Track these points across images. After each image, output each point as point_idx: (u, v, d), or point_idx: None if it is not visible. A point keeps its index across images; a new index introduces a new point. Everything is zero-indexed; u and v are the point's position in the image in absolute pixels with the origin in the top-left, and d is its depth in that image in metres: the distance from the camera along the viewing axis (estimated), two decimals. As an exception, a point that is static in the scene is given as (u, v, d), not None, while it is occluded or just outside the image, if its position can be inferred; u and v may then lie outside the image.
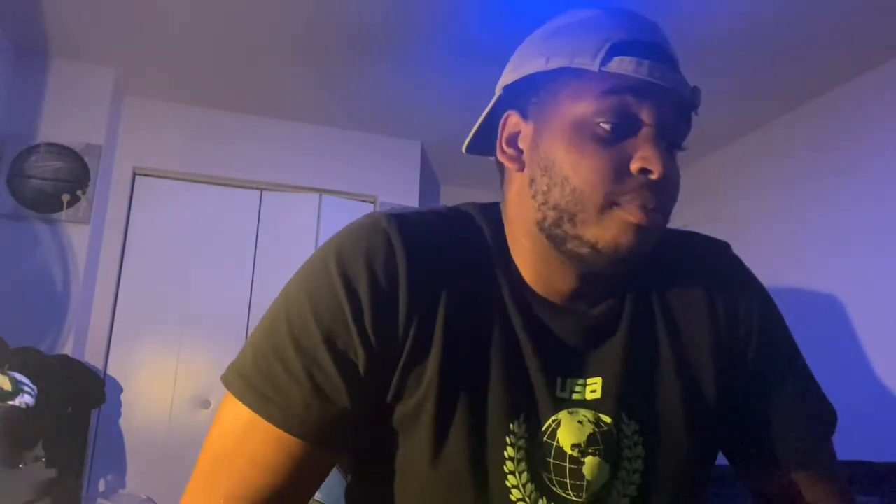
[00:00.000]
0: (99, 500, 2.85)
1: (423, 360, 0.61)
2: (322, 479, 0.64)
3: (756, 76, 2.83)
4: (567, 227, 0.61)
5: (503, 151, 0.68)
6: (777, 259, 3.08)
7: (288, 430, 0.58)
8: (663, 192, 0.60)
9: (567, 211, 0.60)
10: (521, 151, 0.66)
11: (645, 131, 0.60)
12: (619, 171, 0.59)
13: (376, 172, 3.63)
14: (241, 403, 0.60)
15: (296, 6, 2.49)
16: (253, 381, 0.60)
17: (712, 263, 0.73)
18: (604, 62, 0.59)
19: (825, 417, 0.71)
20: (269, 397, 0.59)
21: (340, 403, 0.59)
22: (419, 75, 2.98)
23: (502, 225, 0.69)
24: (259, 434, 0.59)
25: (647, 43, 0.61)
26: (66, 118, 2.93)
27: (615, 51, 0.59)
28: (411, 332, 0.61)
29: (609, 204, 0.59)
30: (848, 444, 1.10)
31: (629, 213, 0.59)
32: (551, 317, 0.65)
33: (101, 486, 2.94)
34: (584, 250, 0.60)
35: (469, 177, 4.14)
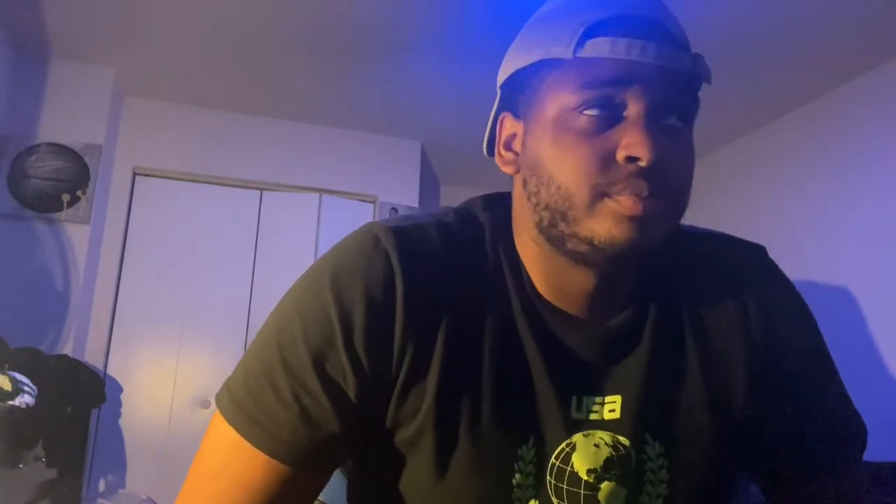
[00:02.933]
0: (99, 500, 2.85)
1: (421, 386, 0.58)
2: (313, 499, 0.62)
3: (756, 76, 2.83)
4: (562, 226, 0.57)
5: (501, 156, 0.65)
6: (778, 258, 3.07)
7: (273, 455, 0.56)
8: (659, 178, 0.54)
9: (558, 210, 0.57)
10: (517, 154, 0.63)
11: (632, 116, 0.55)
12: (605, 162, 0.54)
13: (376, 172, 3.63)
14: (228, 426, 0.58)
15: (296, 6, 2.49)
16: (242, 403, 0.58)
17: (747, 270, 0.68)
18: (577, 48, 0.55)
19: (856, 434, 0.67)
20: (256, 420, 0.57)
21: (329, 428, 0.57)
22: (419, 75, 2.98)
23: (510, 228, 0.66)
24: (245, 456, 0.57)
25: (629, 17, 0.55)
26: (66, 118, 2.93)
27: (590, 33, 0.55)
28: (407, 358, 0.57)
29: (599, 196, 0.55)
30: (872, 446, 1.10)
31: (620, 204, 0.54)
32: (565, 329, 0.61)
33: (101, 486, 2.94)
34: (584, 248, 0.56)
35: (469, 177, 4.14)
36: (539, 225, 0.59)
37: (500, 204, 0.68)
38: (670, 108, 0.56)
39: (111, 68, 3.02)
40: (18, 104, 2.86)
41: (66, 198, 2.86)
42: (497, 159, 0.65)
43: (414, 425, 0.58)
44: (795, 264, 3.04)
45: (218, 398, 0.60)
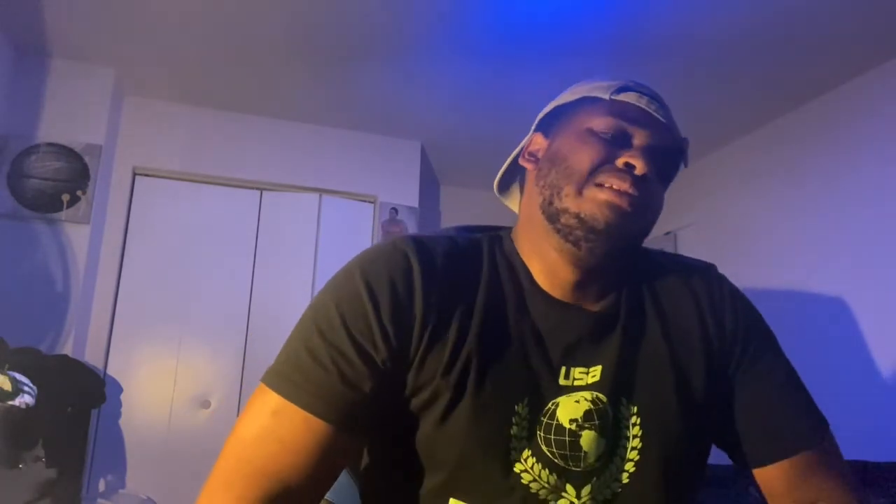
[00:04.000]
0: (99, 500, 2.85)
1: (436, 357, 0.70)
2: (343, 466, 0.71)
3: (757, 76, 2.83)
4: (556, 201, 0.73)
5: (523, 157, 0.82)
6: (778, 258, 3.08)
7: (315, 412, 0.65)
8: (641, 190, 0.71)
9: (556, 186, 0.73)
10: (538, 160, 0.80)
11: (637, 144, 0.73)
12: (607, 161, 0.72)
13: (376, 172, 3.63)
14: (271, 392, 0.67)
15: (296, 7, 2.49)
16: (285, 372, 0.68)
17: (698, 274, 0.82)
18: (615, 93, 0.75)
19: (813, 407, 0.78)
20: (298, 384, 0.66)
21: (362, 389, 0.67)
22: (419, 75, 2.99)
23: (511, 240, 0.81)
24: (288, 416, 0.66)
25: (648, 91, 0.77)
26: (66, 118, 2.93)
27: (623, 88, 0.75)
28: (427, 333, 0.70)
29: (589, 182, 0.71)
30: (857, 444, 1.10)
31: (605, 193, 0.70)
32: (557, 312, 0.75)
33: (101, 486, 2.94)
34: (572, 221, 0.71)
35: (469, 177, 4.14)
36: (542, 205, 0.75)
37: (490, 229, 0.85)
38: (660, 158, 0.74)
39: (111, 68, 3.02)
40: (18, 104, 2.87)
41: (66, 198, 2.86)
42: (520, 160, 0.83)
43: (430, 389, 0.69)
44: (795, 264, 3.04)
45: (263, 377, 0.69)
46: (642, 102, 0.73)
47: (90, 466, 2.93)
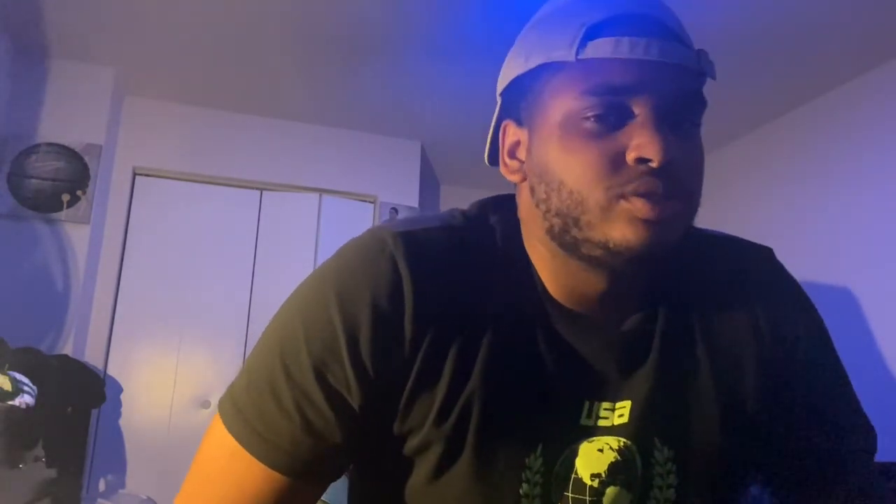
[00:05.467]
0: (99, 500, 2.85)
1: (430, 395, 0.56)
2: None
3: (757, 76, 2.83)
4: (575, 231, 0.55)
5: (505, 164, 0.63)
6: (782, 257, 3.07)
7: (272, 466, 0.55)
8: (673, 177, 0.53)
9: (570, 216, 0.55)
10: (522, 162, 0.61)
11: (640, 116, 0.53)
12: (615, 164, 0.53)
13: (376, 172, 3.63)
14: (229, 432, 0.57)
15: (296, 6, 2.49)
16: (243, 410, 0.57)
17: (754, 272, 0.67)
18: (579, 50, 0.53)
19: (864, 437, 0.66)
20: (256, 430, 0.56)
21: (332, 440, 0.56)
22: (419, 75, 2.98)
23: (519, 229, 0.64)
24: (244, 463, 0.56)
25: (629, 16, 0.54)
26: (66, 118, 2.93)
27: (591, 34, 0.53)
28: (415, 367, 0.56)
29: (614, 198, 0.53)
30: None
31: (635, 208, 0.52)
32: (579, 334, 0.60)
33: (101, 486, 2.94)
34: (598, 252, 0.55)
35: (469, 177, 4.14)
36: (550, 231, 0.57)
37: (510, 206, 0.66)
38: (678, 106, 0.54)
39: (111, 68, 3.02)
40: (18, 104, 2.86)
41: (66, 198, 2.85)
42: (501, 168, 0.64)
43: (422, 433, 0.57)
44: (796, 263, 3.03)
45: (220, 403, 0.59)
46: (622, 50, 0.52)
47: (90, 466, 2.92)
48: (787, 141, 3.16)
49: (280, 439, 0.55)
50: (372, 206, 3.62)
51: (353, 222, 3.54)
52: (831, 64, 2.72)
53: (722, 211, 3.45)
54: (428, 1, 2.43)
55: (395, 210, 3.60)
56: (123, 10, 2.55)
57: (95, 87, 3.00)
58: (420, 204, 3.69)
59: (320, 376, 0.55)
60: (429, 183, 4.12)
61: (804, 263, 2.95)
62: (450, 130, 3.52)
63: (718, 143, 3.51)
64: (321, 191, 3.51)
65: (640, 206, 0.52)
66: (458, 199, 4.34)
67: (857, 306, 2.70)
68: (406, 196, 3.65)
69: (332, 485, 0.70)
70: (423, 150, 3.78)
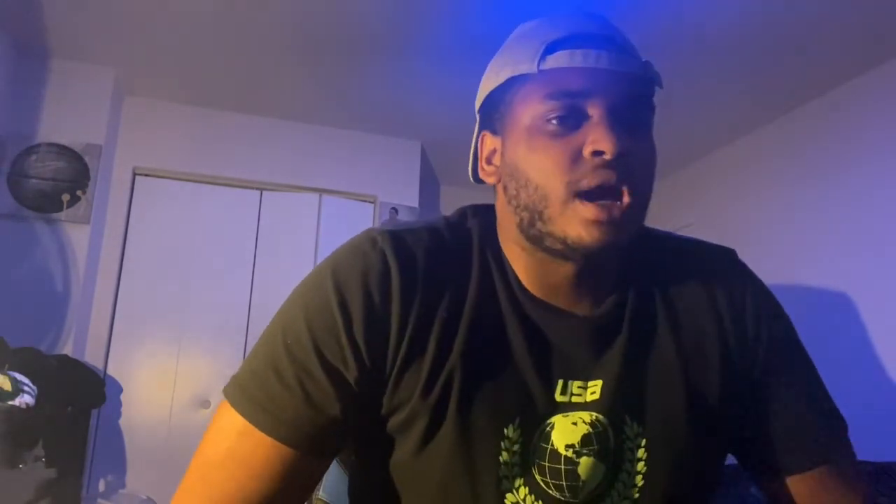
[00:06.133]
0: (99, 500, 2.85)
1: (415, 372, 0.63)
2: (314, 486, 0.66)
3: (757, 75, 2.83)
4: (539, 225, 0.63)
5: (483, 169, 0.72)
6: (778, 258, 3.07)
7: (278, 438, 0.61)
8: (625, 170, 0.61)
9: (535, 209, 0.63)
10: (497, 167, 0.69)
11: (595, 116, 0.61)
12: (574, 159, 0.61)
13: (376, 172, 3.63)
14: (236, 412, 0.62)
15: (296, 6, 2.49)
16: (248, 390, 0.63)
17: (717, 267, 0.73)
18: (540, 62, 0.62)
19: (836, 417, 0.70)
20: (262, 405, 0.61)
21: (330, 412, 0.61)
22: (419, 75, 2.98)
23: (496, 231, 0.71)
24: (252, 440, 0.61)
25: (583, 35, 0.64)
26: (66, 118, 2.93)
27: (550, 49, 0.63)
28: (403, 346, 0.63)
29: (571, 195, 0.60)
30: (867, 445, 1.10)
31: (587, 210, 0.60)
32: (549, 320, 0.66)
33: (101, 486, 2.94)
34: (559, 246, 0.62)
35: (469, 177, 4.13)
36: (520, 226, 0.65)
37: (488, 212, 0.74)
38: (628, 108, 0.62)
39: (111, 68, 3.02)
40: (18, 104, 2.86)
41: (66, 198, 2.86)
42: (480, 173, 0.73)
43: (407, 409, 0.63)
44: (794, 264, 3.04)
45: (225, 390, 0.64)
46: (576, 60, 0.61)
47: (90, 466, 2.92)
48: (784, 142, 3.16)
49: (284, 413, 0.61)
50: (372, 206, 3.62)
51: (353, 222, 3.54)
52: (829, 65, 2.72)
53: (720, 211, 3.46)
54: (429, 1, 2.44)
55: (395, 210, 3.60)
56: (123, 10, 2.55)
57: (95, 87, 3.00)
58: (420, 204, 3.69)
59: (319, 353, 0.61)
60: (429, 183, 4.12)
61: (802, 264, 2.96)
62: (450, 130, 3.52)
63: (717, 145, 3.51)
64: (321, 191, 3.51)
65: (592, 210, 0.60)
66: (458, 199, 4.34)
67: (855, 308, 2.70)
68: (406, 196, 3.65)
69: (332, 483, 0.71)
70: (423, 150, 3.78)
